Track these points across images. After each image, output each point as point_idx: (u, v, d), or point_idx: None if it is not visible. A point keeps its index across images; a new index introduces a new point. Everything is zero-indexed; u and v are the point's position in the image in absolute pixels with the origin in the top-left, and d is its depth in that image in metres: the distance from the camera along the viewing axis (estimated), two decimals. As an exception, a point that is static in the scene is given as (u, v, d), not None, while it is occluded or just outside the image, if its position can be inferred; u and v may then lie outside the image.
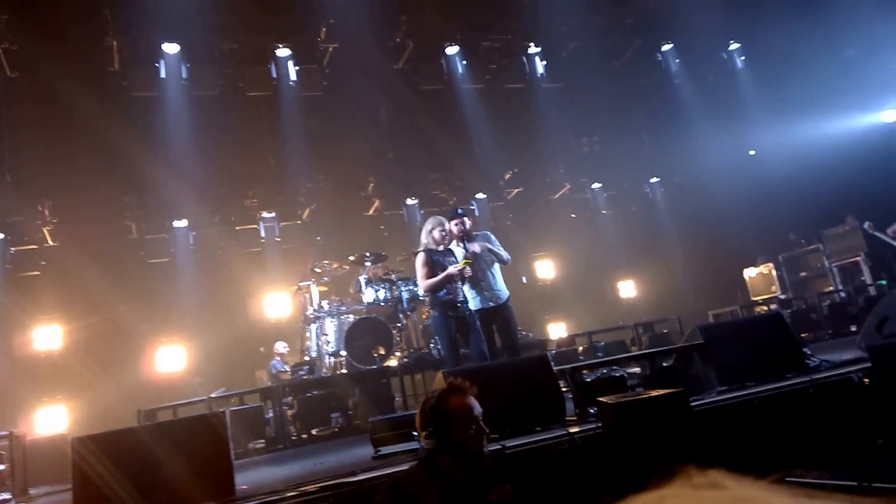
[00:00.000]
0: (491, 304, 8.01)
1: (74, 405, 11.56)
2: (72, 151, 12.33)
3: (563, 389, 6.21)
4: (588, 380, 6.43)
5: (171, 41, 12.54)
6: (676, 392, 4.57)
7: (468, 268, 7.80)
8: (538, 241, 17.04)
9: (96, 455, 4.70)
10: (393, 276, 11.59)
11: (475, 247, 8.00)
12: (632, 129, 16.67)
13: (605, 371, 7.01)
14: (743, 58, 15.86)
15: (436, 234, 8.03)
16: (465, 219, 8.21)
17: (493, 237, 8.34)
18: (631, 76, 15.91)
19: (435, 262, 7.91)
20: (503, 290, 8.17)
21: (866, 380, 5.29)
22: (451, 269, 7.77)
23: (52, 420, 11.47)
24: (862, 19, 12.57)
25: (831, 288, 13.43)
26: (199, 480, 4.75)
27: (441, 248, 8.05)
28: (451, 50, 14.48)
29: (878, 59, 13.13)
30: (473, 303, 8.03)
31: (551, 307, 16.89)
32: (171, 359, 13.03)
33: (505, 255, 8.22)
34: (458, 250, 8.04)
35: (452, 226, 8.10)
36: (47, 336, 12.92)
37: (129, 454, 4.79)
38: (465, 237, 8.04)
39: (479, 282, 8.03)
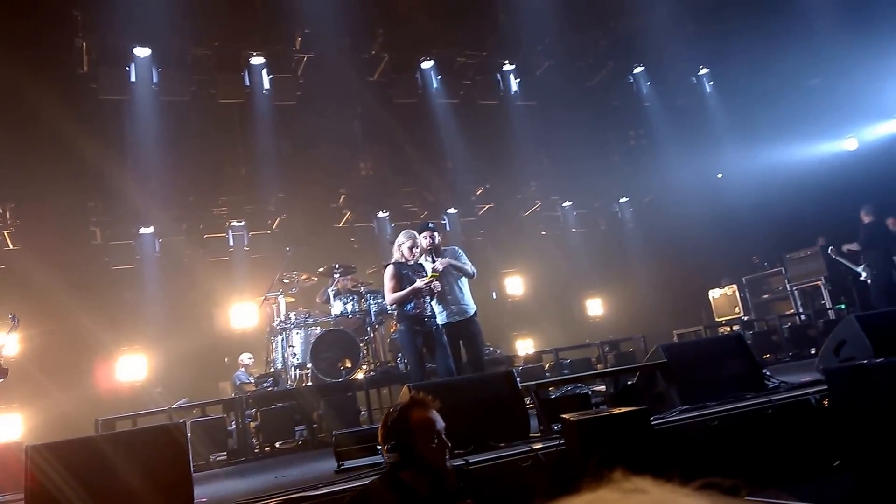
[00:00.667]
0: (457, 318, 8.06)
1: (30, 413, 11.36)
2: (37, 153, 12.03)
3: (528, 406, 6.28)
4: (553, 397, 6.51)
5: (142, 45, 12.30)
6: (637, 410, 4.63)
7: (437, 282, 7.86)
8: (508, 258, 17.15)
9: (51, 464, 4.60)
10: (362, 289, 11.59)
11: (438, 264, 8.02)
12: (603, 150, 16.83)
13: (569, 388, 7.10)
14: (712, 83, 16.10)
15: (405, 248, 8.10)
16: (435, 233, 8.23)
17: (461, 252, 8.39)
18: (603, 97, 16.04)
19: (403, 276, 7.98)
20: (470, 305, 8.21)
21: (825, 402, 5.39)
22: (418, 283, 7.82)
23: (6, 428, 11.29)
24: (827, 50, 12.83)
25: (792, 311, 13.70)
26: (157, 492, 4.69)
27: (412, 262, 8.12)
28: (427, 64, 14.48)
29: (841, 90, 13.41)
30: (440, 317, 8.07)
31: (519, 323, 17.00)
32: (132, 368, 12.84)
33: (470, 268, 8.26)
34: (428, 264, 8.07)
35: (422, 239, 8.12)
36: (3, 342, 12.77)
37: (86, 464, 4.68)
38: (433, 251, 8.09)
39: (446, 296, 8.07)
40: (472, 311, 8.18)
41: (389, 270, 8.13)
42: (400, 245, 8.19)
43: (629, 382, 7.06)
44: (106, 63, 12.39)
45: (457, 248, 8.52)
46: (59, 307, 12.12)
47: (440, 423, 3.46)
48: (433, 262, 7.99)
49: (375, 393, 10.83)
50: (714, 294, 15.54)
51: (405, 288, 7.90)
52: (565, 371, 11.20)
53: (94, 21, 11.80)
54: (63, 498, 4.52)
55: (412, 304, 7.91)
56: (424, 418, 3.44)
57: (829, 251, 12.09)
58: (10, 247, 13.42)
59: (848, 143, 14.90)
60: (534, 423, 6.07)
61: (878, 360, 5.23)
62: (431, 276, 7.85)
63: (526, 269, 17.50)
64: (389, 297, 8.12)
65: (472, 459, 4.83)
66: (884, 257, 11.67)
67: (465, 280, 8.29)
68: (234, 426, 9.05)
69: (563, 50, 14.62)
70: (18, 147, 11.96)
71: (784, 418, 5.35)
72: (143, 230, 14.39)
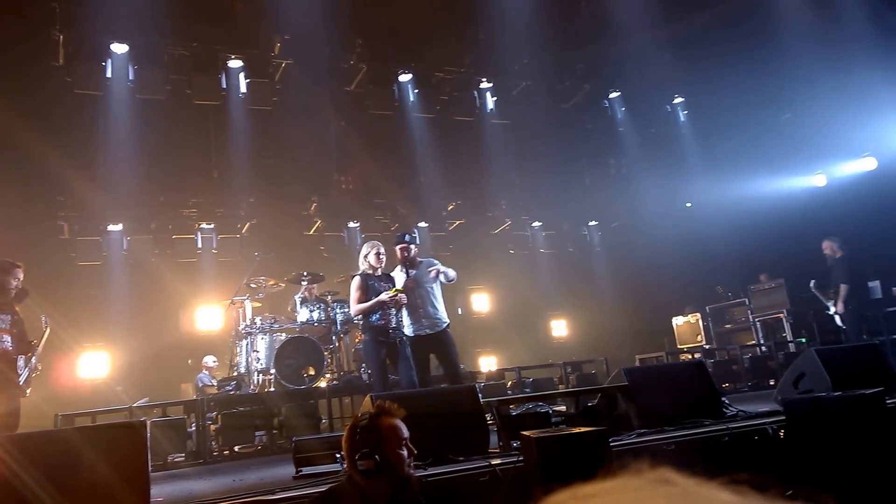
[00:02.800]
0: (428, 331, 8.10)
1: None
2: (5, 144, 11.84)
3: (489, 422, 6.34)
4: (513, 414, 6.58)
5: (120, 41, 12.21)
6: (597, 430, 4.72)
7: (403, 295, 7.92)
8: (476, 274, 17.20)
9: (9, 456, 4.50)
10: (329, 298, 11.62)
11: (408, 281, 8.09)
12: (575, 172, 16.99)
13: (530, 406, 7.18)
14: (686, 112, 16.34)
15: (371, 258, 8.19)
16: (411, 246, 8.29)
17: (437, 262, 8.44)
18: (578, 120, 16.21)
19: (369, 287, 8.08)
20: (443, 318, 8.26)
21: (781, 432, 5.51)
22: (383, 296, 7.92)
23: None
24: (800, 86, 13.08)
25: (753, 341, 13.90)
26: (114, 489, 4.64)
27: (378, 272, 8.20)
28: (404, 77, 14.50)
29: (811, 125, 13.65)
30: (409, 329, 8.11)
31: (484, 340, 17.05)
32: (93, 365, 12.72)
33: (452, 272, 8.33)
34: (401, 276, 8.15)
35: (397, 250, 8.21)
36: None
37: (39, 460, 4.59)
38: (408, 263, 8.16)
39: (418, 309, 8.12)
40: (444, 324, 8.24)
41: (355, 281, 8.23)
42: (366, 256, 8.29)
43: (590, 403, 7.16)
44: (82, 57, 12.29)
45: (433, 259, 8.59)
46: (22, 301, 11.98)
47: (406, 431, 3.54)
48: (407, 274, 8.06)
49: (337, 402, 10.83)
50: (677, 321, 15.70)
51: (370, 299, 7.98)
52: (527, 389, 11.29)
53: (73, 14, 11.75)
54: (19, 491, 4.44)
55: (377, 315, 8.00)
56: (393, 426, 3.51)
57: (812, 285, 12.16)
58: (-27, 235, 13.26)
59: (816, 179, 15.16)
60: (494, 439, 6.13)
61: (836, 394, 5.37)
62: (395, 291, 7.94)
63: (493, 287, 17.58)
64: (354, 307, 8.25)
65: (430, 471, 4.88)
66: (858, 292, 11.88)
67: (439, 293, 8.36)
68: (194, 428, 9.04)
69: (541, 70, 14.79)
70: None
71: (740, 446, 5.46)
72: (111, 227, 14.28)
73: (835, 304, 11.77)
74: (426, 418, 5.47)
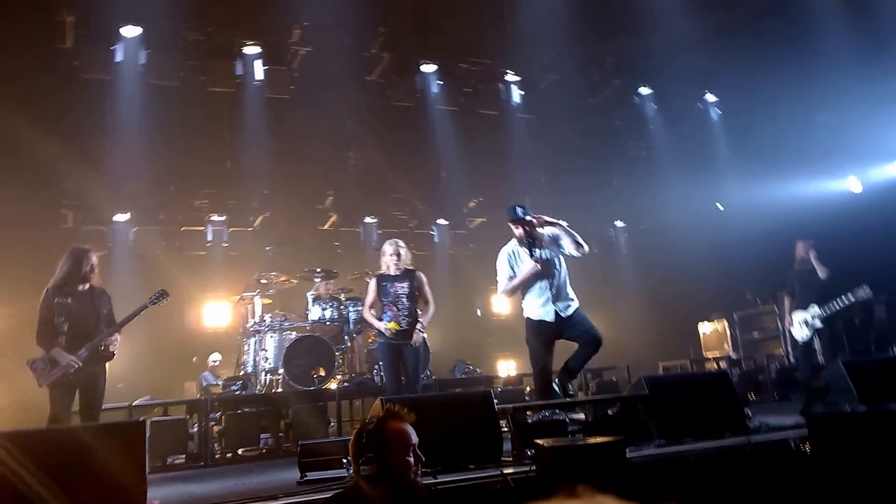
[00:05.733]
0: (562, 314, 7.51)
1: (-1, 399, 11.34)
2: (10, 128, 11.60)
3: (504, 429, 6.38)
4: (529, 421, 6.61)
5: (133, 23, 12.14)
6: (613, 441, 4.73)
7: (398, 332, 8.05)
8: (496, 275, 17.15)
9: (2, 453, 4.56)
10: (342, 296, 11.66)
11: (540, 258, 7.47)
12: (602, 170, 16.88)
13: (546, 414, 7.20)
14: (718, 110, 16.21)
15: (387, 259, 8.29)
16: (528, 218, 7.57)
17: (561, 231, 7.67)
18: (606, 116, 16.07)
19: (382, 289, 8.27)
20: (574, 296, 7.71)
21: (805, 445, 5.50)
22: (380, 327, 8.16)
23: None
24: (835, 85, 12.96)
25: (781, 351, 13.78)
26: (109, 491, 4.69)
27: (396, 272, 8.26)
28: (428, 68, 14.40)
29: (846, 128, 13.53)
30: (540, 311, 7.53)
31: (503, 343, 17.04)
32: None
33: (584, 244, 7.56)
34: (525, 255, 7.61)
35: (514, 231, 7.66)
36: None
37: (35, 456, 4.64)
38: (531, 240, 7.57)
39: (550, 289, 7.50)
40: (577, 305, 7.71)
41: (371, 283, 8.46)
42: (383, 255, 8.37)
43: (609, 412, 7.17)
44: (91, 41, 12.22)
45: (561, 223, 7.68)
46: (24, 290, 12.02)
47: (415, 437, 3.52)
48: (531, 253, 7.50)
49: (348, 404, 10.88)
50: (704, 328, 15.63)
51: (383, 301, 8.22)
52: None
53: (84, -5, 11.75)
54: (9, 491, 4.50)
55: (388, 316, 8.11)
56: (401, 431, 3.49)
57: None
58: (-27, 222, 13.34)
59: (850, 183, 15.00)
60: (507, 447, 6.15)
61: (862, 408, 5.36)
62: (398, 329, 8.06)
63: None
64: (364, 311, 8.50)
65: (439, 479, 4.91)
66: None
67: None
68: (196, 429, 9.09)
69: (570, 64, 14.64)
70: None
71: (762, 460, 5.46)
72: (117, 217, 14.36)
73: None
74: (438, 423, 5.48)
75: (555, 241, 7.70)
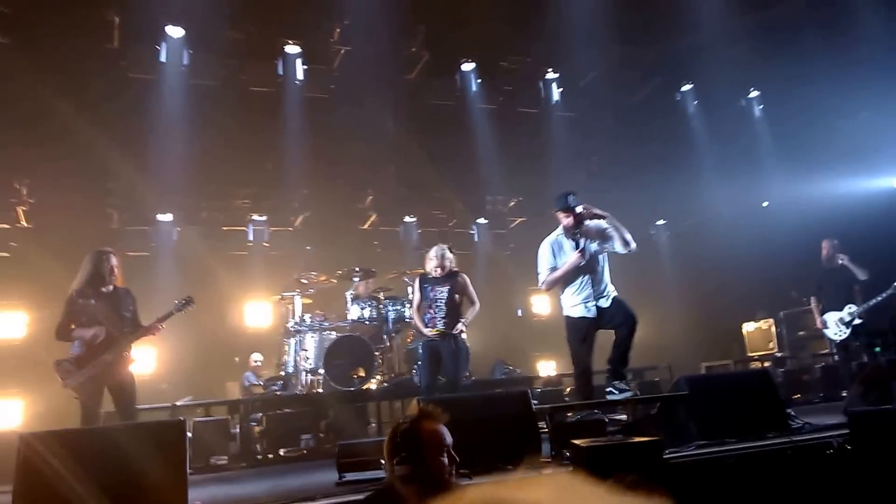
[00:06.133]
0: (602, 307, 7.54)
1: (33, 400, 11.46)
2: (57, 129, 11.91)
3: (542, 429, 6.38)
4: (568, 421, 6.61)
5: (175, 24, 12.30)
6: (650, 441, 4.72)
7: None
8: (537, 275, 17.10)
9: (43, 454, 4.64)
10: (381, 295, 11.71)
11: (584, 249, 7.44)
12: (643, 168, 16.74)
13: (587, 414, 7.19)
14: (761, 107, 16.01)
15: (430, 264, 8.41)
16: (578, 209, 7.50)
17: (607, 224, 7.70)
18: (647, 114, 15.87)
19: (423, 291, 8.45)
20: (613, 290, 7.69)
21: (848, 446, 5.44)
22: (426, 332, 8.30)
23: (4, 415, 11.50)
24: (880, 84, 12.78)
25: (826, 350, 13.59)
26: (151, 491, 4.75)
27: (437, 274, 8.34)
28: (467, 66, 14.42)
29: (890, 126, 13.34)
30: (581, 309, 7.54)
31: (544, 344, 16.99)
32: (139, 360, 12.92)
33: (631, 241, 7.57)
34: (569, 247, 7.61)
35: (563, 219, 7.60)
36: (10, 323, 12.95)
37: (79, 456, 4.72)
38: (577, 231, 7.52)
39: (592, 284, 7.52)
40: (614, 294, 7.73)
41: (415, 284, 8.74)
42: (428, 259, 8.50)
43: (651, 412, 7.15)
44: (137, 41, 12.39)
45: (602, 222, 7.70)
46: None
47: (449, 438, 3.50)
48: (577, 244, 7.46)
49: (388, 405, 10.93)
50: (748, 327, 15.45)
51: (423, 304, 8.41)
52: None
53: (129, -4, 11.89)
54: (52, 490, 4.55)
55: (427, 317, 8.22)
56: (434, 431, 3.47)
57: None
58: (24, 224, 13.60)
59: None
60: (547, 447, 6.16)
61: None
62: (437, 331, 8.18)
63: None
64: (413, 310, 8.76)
65: (476, 480, 4.91)
66: None
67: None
68: (238, 429, 9.19)
69: (610, 62, 14.52)
70: (38, 120, 11.95)
71: (804, 461, 5.40)
72: (160, 217, 14.57)
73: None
74: (476, 424, 5.51)
75: (600, 234, 7.65)
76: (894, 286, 10.60)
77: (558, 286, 7.71)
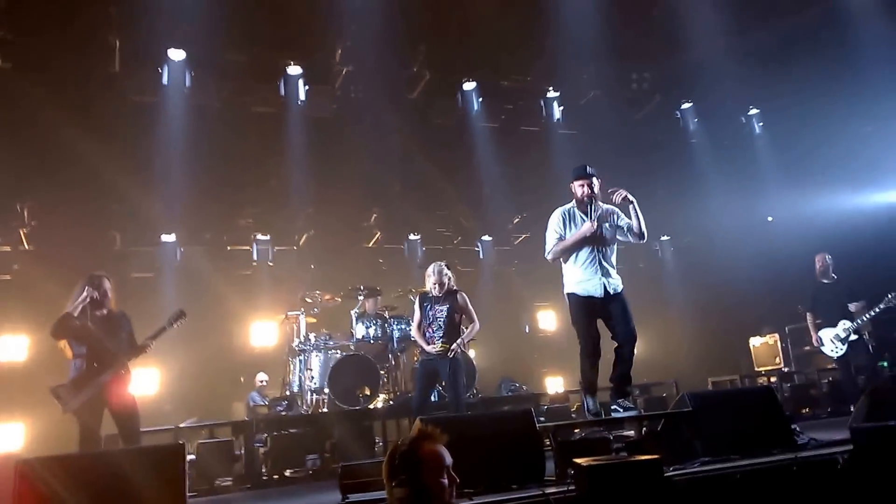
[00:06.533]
0: (610, 291, 7.47)
1: (34, 423, 11.49)
2: (61, 152, 12.04)
3: (547, 447, 6.37)
4: (572, 439, 6.60)
5: (177, 47, 12.28)
6: (649, 459, 4.73)
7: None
8: (542, 291, 17.13)
9: (40, 479, 4.63)
10: (386, 313, 11.73)
11: (593, 220, 7.37)
12: (645, 185, 16.70)
13: (592, 431, 7.19)
14: (761, 124, 15.99)
15: (429, 282, 8.54)
16: (594, 179, 7.52)
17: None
18: (648, 131, 15.87)
19: (423, 309, 8.55)
20: (620, 281, 7.60)
21: (852, 462, 5.43)
22: (429, 349, 8.37)
23: (5, 439, 11.52)
24: (883, 98, 12.81)
25: (832, 365, 13.55)
26: None
27: (436, 291, 8.40)
28: (469, 86, 14.42)
29: (893, 140, 13.37)
30: (588, 286, 7.47)
31: (550, 360, 17.02)
32: (142, 381, 12.79)
33: (645, 232, 7.58)
34: (580, 218, 7.56)
35: (577, 187, 7.58)
36: (11, 346, 12.98)
37: (75, 481, 4.71)
38: (590, 201, 7.48)
39: (594, 263, 7.44)
40: (621, 288, 7.68)
41: (416, 302, 8.77)
42: (427, 277, 8.56)
43: (657, 429, 7.14)
44: (138, 64, 12.37)
45: (615, 208, 7.71)
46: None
47: (449, 458, 3.48)
48: (588, 216, 7.41)
49: (394, 424, 10.89)
50: (755, 342, 15.44)
51: (422, 321, 8.54)
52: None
53: (130, 19, 11.90)
54: None
55: (427, 336, 8.33)
56: (433, 452, 3.45)
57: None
58: (26, 247, 13.61)
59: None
60: (551, 466, 6.15)
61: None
62: (444, 347, 8.25)
63: (560, 304, 17.44)
64: (413, 329, 8.81)
65: (476, 500, 4.91)
66: None
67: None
68: (242, 450, 9.17)
69: (610, 80, 14.58)
70: (39, 143, 12.04)
71: (809, 477, 5.39)
72: (164, 238, 14.59)
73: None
74: (479, 443, 5.50)
75: (615, 216, 7.63)
76: (887, 299, 10.56)
77: (565, 257, 7.60)
